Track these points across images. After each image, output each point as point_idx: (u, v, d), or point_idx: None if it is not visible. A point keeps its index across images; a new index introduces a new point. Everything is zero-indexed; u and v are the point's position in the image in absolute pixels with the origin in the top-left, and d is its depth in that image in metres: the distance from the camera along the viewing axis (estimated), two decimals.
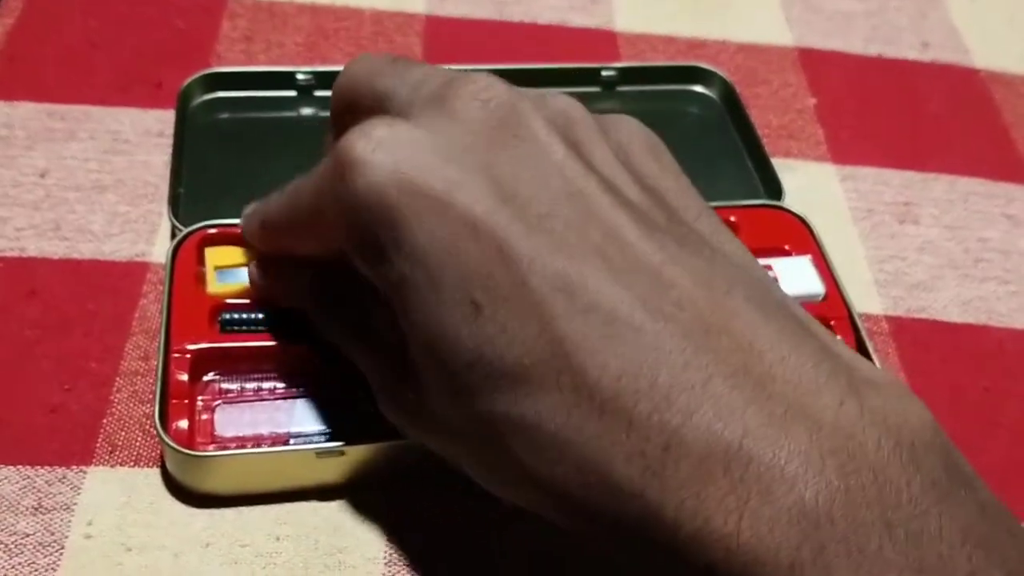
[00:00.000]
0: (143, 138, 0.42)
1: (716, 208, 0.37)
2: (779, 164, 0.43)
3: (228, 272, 0.34)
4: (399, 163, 0.24)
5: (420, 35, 0.49)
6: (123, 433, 0.32)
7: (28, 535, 0.30)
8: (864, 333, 0.35)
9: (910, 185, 0.45)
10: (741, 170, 0.43)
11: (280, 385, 0.32)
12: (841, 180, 0.45)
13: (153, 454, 0.32)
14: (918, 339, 0.39)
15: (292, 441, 0.31)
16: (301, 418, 0.32)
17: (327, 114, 0.31)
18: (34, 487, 0.31)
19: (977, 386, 0.38)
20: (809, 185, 0.44)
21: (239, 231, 0.34)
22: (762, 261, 0.32)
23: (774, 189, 0.41)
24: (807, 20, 0.53)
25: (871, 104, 0.49)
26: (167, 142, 0.41)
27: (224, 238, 0.35)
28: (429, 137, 0.24)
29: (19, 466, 0.31)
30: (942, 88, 0.50)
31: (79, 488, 0.31)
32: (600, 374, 0.22)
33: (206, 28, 0.47)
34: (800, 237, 0.38)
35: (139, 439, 0.32)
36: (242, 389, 0.32)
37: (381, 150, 0.24)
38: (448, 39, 0.49)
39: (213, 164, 0.40)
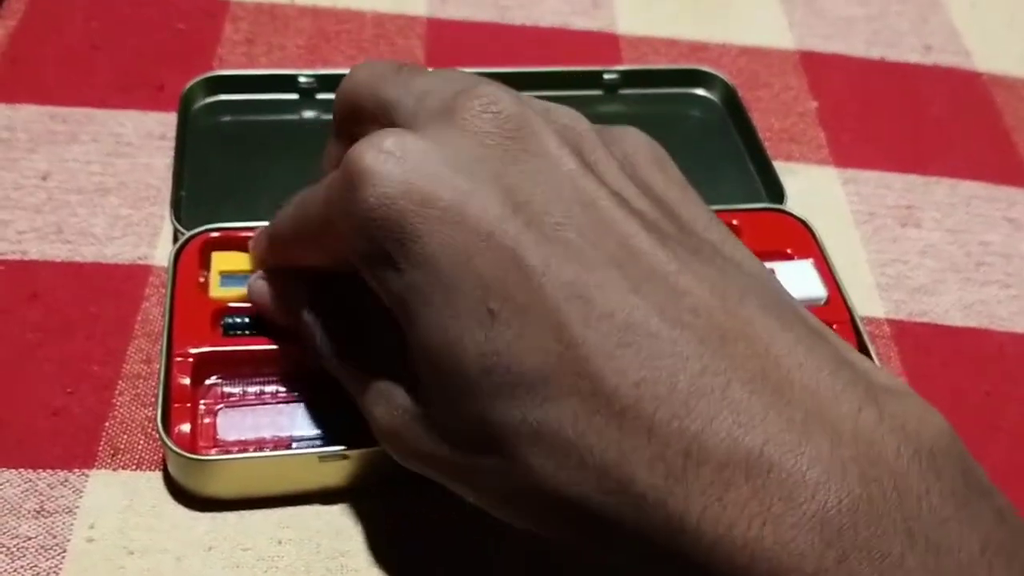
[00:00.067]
0: (145, 141, 0.42)
1: (718, 212, 0.37)
2: (781, 167, 0.43)
3: (232, 277, 0.34)
4: (409, 173, 0.24)
5: (422, 38, 0.49)
6: (125, 436, 0.32)
7: (30, 538, 0.30)
8: (866, 337, 0.35)
9: (912, 188, 0.45)
10: (743, 173, 0.43)
11: (282, 389, 0.32)
12: (843, 183, 0.45)
13: (155, 457, 0.32)
14: (920, 343, 0.39)
15: (294, 445, 0.31)
16: (304, 422, 0.32)
17: (329, 117, 0.31)
18: (36, 490, 0.31)
19: (978, 390, 0.38)
20: (811, 188, 0.44)
21: (242, 235, 0.34)
22: (764, 265, 0.32)
23: (776, 192, 0.41)
24: (809, 23, 0.53)
25: (873, 107, 0.49)
26: (169, 145, 0.41)
27: (226, 241, 0.35)
28: (438, 148, 0.24)
29: (21, 469, 0.31)
30: (944, 91, 0.50)
31: (81, 491, 0.31)
32: (618, 380, 0.22)
33: (208, 31, 0.47)
34: (802, 240, 0.38)
35: (141, 442, 0.32)
36: (244, 393, 0.32)
37: (391, 161, 0.24)
38: (450, 42, 0.49)
39: (215, 167, 0.40)
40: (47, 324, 0.35)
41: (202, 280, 0.34)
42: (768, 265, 0.36)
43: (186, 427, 0.31)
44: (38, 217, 0.38)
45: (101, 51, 0.45)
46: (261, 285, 0.32)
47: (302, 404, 0.32)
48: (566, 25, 0.51)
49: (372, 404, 0.27)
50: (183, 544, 0.30)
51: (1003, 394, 0.38)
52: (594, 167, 0.26)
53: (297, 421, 0.32)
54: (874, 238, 0.43)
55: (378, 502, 0.31)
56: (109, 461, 0.32)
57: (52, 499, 0.31)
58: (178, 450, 0.29)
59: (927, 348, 0.39)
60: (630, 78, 0.46)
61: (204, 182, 0.39)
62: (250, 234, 0.34)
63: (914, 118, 0.49)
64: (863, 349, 0.35)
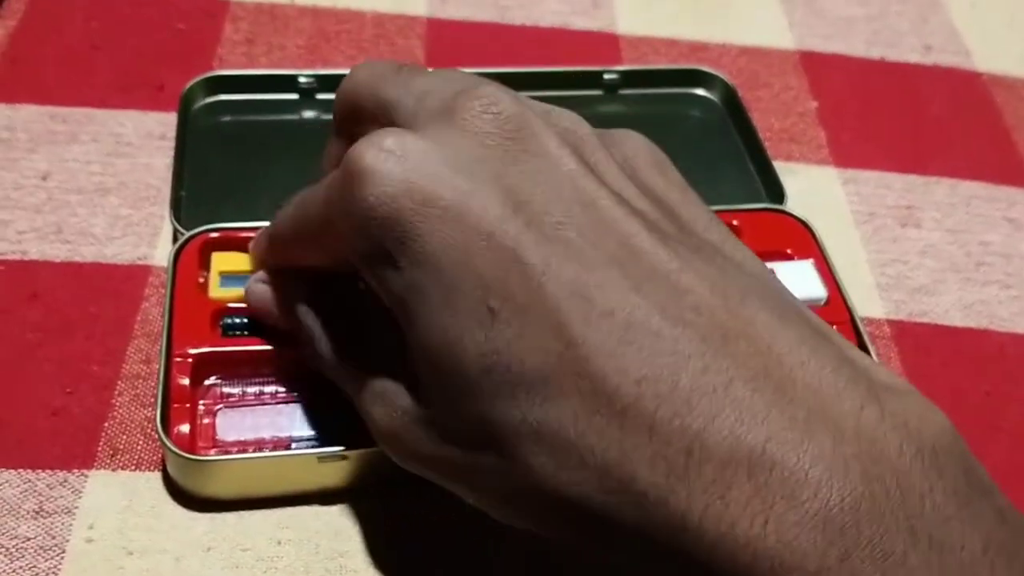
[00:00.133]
0: (145, 141, 0.42)
1: (718, 212, 0.37)
2: (781, 167, 0.43)
3: (232, 277, 0.34)
4: (409, 172, 0.24)
5: (422, 38, 0.49)
6: (124, 437, 0.32)
7: (29, 539, 0.30)
8: (866, 337, 0.35)
9: (912, 188, 0.45)
10: (743, 173, 0.43)
11: (282, 389, 0.32)
12: (843, 183, 0.45)
13: (154, 458, 0.32)
14: (920, 343, 0.39)
15: (294, 445, 0.31)
16: (303, 422, 0.32)
17: (329, 117, 0.31)
18: (35, 491, 0.31)
19: (978, 390, 0.38)
20: (811, 188, 0.44)
21: (242, 235, 0.34)
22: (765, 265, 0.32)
23: (776, 192, 0.41)
24: (809, 23, 0.53)
25: (873, 107, 0.49)
26: (169, 145, 0.41)
27: (226, 242, 0.35)
28: (438, 148, 0.24)
29: (20, 470, 0.31)
30: (944, 91, 0.50)
31: (80, 492, 0.31)
32: (620, 379, 0.22)
33: (208, 31, 0.47)
34: (802, 241, 0.38)
35: (140, 443, 0.32)
36: (244, 393, 0.32)
37: (391, 160, 0.24)
38: (450, 42, 0.49)
39: (215, 167, 0.40)
40: (47, 324, 0.35)
41: (202, 280, 0.34)
42: (768, 265, 0.36)
43: (185, 427, 0.31)
44: (38, 217, 0.38)
45: (101, 51, 0.45)
46: (259, 289, 0.32)
47: (301, 405, 0.32)
48: (566, 25, 0.51)
49: (371, 405, 0.27)
50: (182, 544, 0.30)
51: (1003, 394, 0.38)
52: (594, 168, 0.25)
53: (296, 422, 0.32)
54: (874, 238, 0.43)
55: (377, 503, 0.31)
56: (108, 461, 0.32)
57: (51, 499, 0.31)
58: (177, 450, 0.29)
59: (927, 348, 0.39)
60: (630, 78, 0.46)
61: (204, 182, 0.39)
62: (250, 234, 0.34)
63: (914, 118, 0.49)
64: (863, 349, 0.35)
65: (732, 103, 0.46)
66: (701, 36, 0.51)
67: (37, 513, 0.30)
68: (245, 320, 0.33)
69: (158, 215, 0.39)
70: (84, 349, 0.34)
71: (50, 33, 0.46)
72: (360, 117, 0.28)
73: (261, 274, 0.32)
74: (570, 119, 0.27)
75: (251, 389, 0.32)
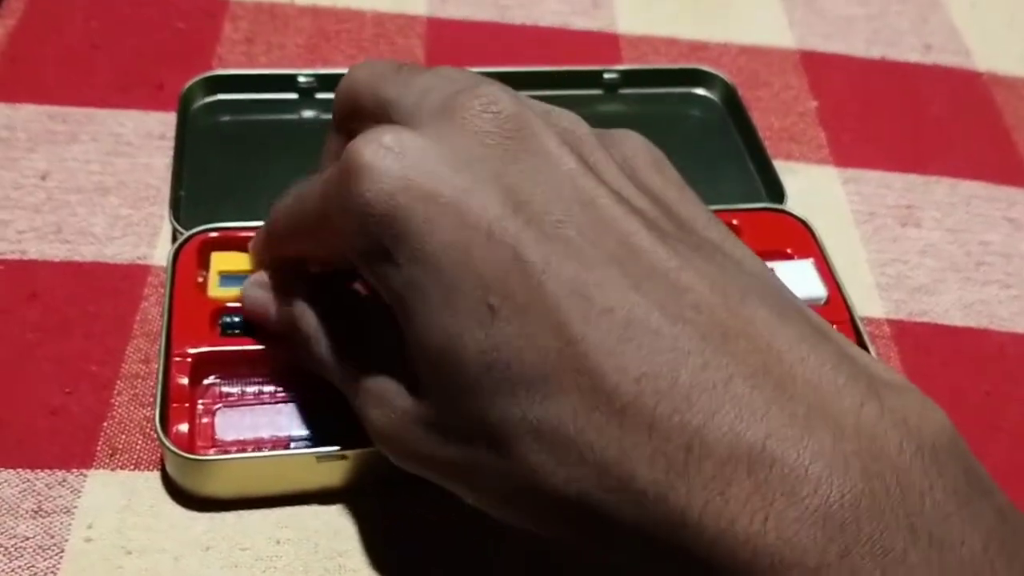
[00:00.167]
0: (145, 140, 0.42)
1: (718, 211, 0.37)
2: (781, 167, 0.43)
3: (231, 277, 0.33)
4: (408, 170, 0.24)
5: (422, 37, 0.49)
6: (124, 436, 0.32)
7: (28, 538, 0.30)
8: (866, 337, 0.35)
9: (912, 188, 0.45)
10: (743, 173, 0.43)
11: (281, 389, 0.32)
12: (843, 183, 0.45)
13: (153, 457, 0.32)
14: (920, 343, 0.39)
15: (293, 445, 0.31)
16: (302, 422, 0.32)
17: (329, 116, 0.31)
18: (34, 490, 0.31)
19: (978, 390, 0.38)
20: (811, 188, 0.44)
21: (241, 235, 0.34)
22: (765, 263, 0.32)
23: (776, 192, 0.41)
24: (809, 23, 0.53)
25: (873, 107, 0.49)
26: (168, 144, 0.41)
27: (225, 241, 0.35)
28: (437, 146, 0.24)
29: (19, 469, 0.31)
30: (944, 91, 0.50)
31: (79, 491, 0.31)
32: (619, 376, 0.22)
33: (207, 30, 0.47)
34: (802, 240, 0.38)
35: (139, 442, 0.32)
36: (243, 393, 0.32)
37: (390, 156, 0.24)
38: (450, 41, 0.49)
39: (214, 167, 0.40)
40: (46, 323, 0.35)
41: (201, 280, 0.34)
42: (768, 265, 0.36)
43: (184, 427, 0.31)
44: (37, 217, 0.38)
45: (101, 50, 0.45)
46: (254, 293, 0.32)
47: (300, 404, 0.32)
48: (566, 25, 0.51)
49: (368, 407, 0.27)
50: (181, 544, 0.30)
51: (1003, 394, 0.38)
52: (594, 167, 0.25)
53: (295, 421, 0.32)
54: (874, 238, 0.43)
55: (376, 502, 0.31)
56: (107, 461, 0.32)
57: (50, 499, 0.31)
58: (176, 450, 0.29)
59: (927, 348, 0.39)
60: (630, 78, 0.46)
61: (203, 182, 0.39)
62: (250, 234, 0.34)
63: (914, 118, 0.48)
64: (863, 349, 0.35)
65: (732, 102, 0.46)
66: (701, 35, 0.51)
67: (36, 512, 0.30)
68: (244, 319, 0.33)
69: (157, 215, 0.39)
70: (83, 348, 0.34)
71: (50, 32, 0.46)
72: (359, 115, 0.28)
73: (256, 278, 0.32)
74: (569, 119, 0.27)
75: (250, 388, 0.32)
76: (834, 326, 0.35)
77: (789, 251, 0.38)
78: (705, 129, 0.46)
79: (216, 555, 0.30)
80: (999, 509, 0.21)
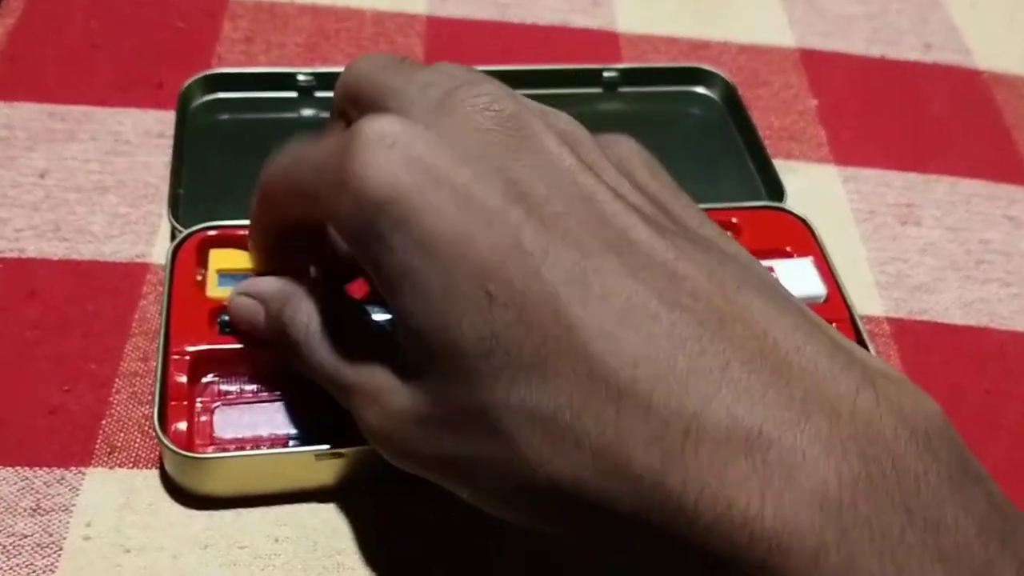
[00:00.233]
0: (144, 139, 0.42)
1: (717, 209, 0.38)
2: (781, 165, 0.43)
3: (230, 276, 0.33)
4: (411, 156, 0.24)
5: (421, 36, 0.49)
6: (122, 434, 0.32)
7: (26, 536, 0.30)
8: (866, 335, 0.35)
9: (912, 187, 0.45)
10: (743, 171, 0.43)
11: (279, 387, 0.32)
12: (843, 181, 0.45)
13: (152, 455, 0.32)
14: (919, 341, 0.39)
15: (291, 443, 0.31)
16: (300, 420, 0.32)
17: (328, 115, 0.31)
18: (33, 488, 0.31)
19: (978, 388, 0.38)
20: (811, 186, 0.44)
21: (239, 233, 0.34)
22: (764, 263, 0.32)
23: (776, 190, 0.41)
24: (809, 21, 0.53)
25: (873, 105, 0.49)
26: (168, 143, 0.41)
27: (224, 239, 0.35)
28: (439, 138, 0.24)
29: (18, 467, 0.31)
30: (944, 89, 0.50)
31: (78, 489, 0.31)
32: (616, 362, 0.22)
33: (207, 29, 0.47)
34: (802, 239, 0.38)
35: (138, 440, 0.32)
36: (241, 391, 0.32)
37: (393, 142, 0.24)
38: (449, 40, 0.49)
39: (213, 165, 0.40)
40: (44, 322, 0.35)
41: (199, 278, 0.34)
42: (767, 263, 0.36)
43: (183, 425, 0.31)
44: (36, 215, 0.38)
45: (100, 49, 0.45)
46: (241, 301, 0.32)
47: (299, 402, 0.32)
48: (566, 23, 0.51)
49: (363, 408, 0.27)
50: (180, 542, 0.30)
51: (1003, 392, 0.38)
52: (592, 166, 0.26)
53: (294, 419, 0.32)
54: (874, 236, 0.43)
55: (375, 500, 0.31)
56: (106, 459, 0.32)
57: (48, 497, 0.31)
58: (175, 448, 0.29)
59: (927, 346, 0.39)
60: (630, 76, 0.46)
61: (202, 180, 0.39)
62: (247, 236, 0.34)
63: (914, 116, 0.48)
64: (862, 347, 0.35)
65: (732, 101, 0.46)
66: (701, 34, 0.51)
67: (34, 510, 0.30)
68: None
69: (156, 213, 0.39)
70: (82, 347, 0.34)
71: (49, 31, 0.46)
72: (360, 104, 0.28)
73: (243, 286, 0.32)
74: (566, 120, 0.27)
75: (248, 387, 0.32)
76: (833, 324, 0.36)
77: (789, 249, 0.38)
78: (705, 128, 0.45)
79: (215, 553, 0.30)
80: (991, 496, 0.21)
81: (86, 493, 0.31)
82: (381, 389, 0.26)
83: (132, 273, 0.37)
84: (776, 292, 0.24)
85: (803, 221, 0.39)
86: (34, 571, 0.29)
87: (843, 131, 0.47)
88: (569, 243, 0.23)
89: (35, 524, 0.30)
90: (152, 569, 0.29)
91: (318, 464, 0.30)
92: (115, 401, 0.33)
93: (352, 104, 0.29)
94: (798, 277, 0.36)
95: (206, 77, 0.43)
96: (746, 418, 0.21)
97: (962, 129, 0.48)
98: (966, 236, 0.43)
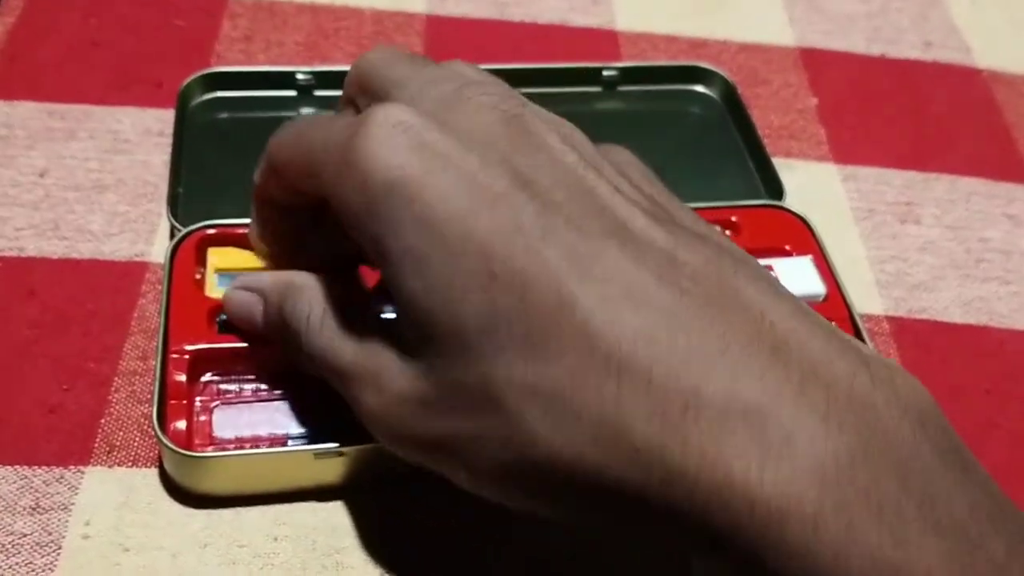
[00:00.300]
0: (143, 137, 0.42)
1: (717, 208, 0.38)
2: (780, 164, 0.43)
3: (229, 274, 0.33)
4: (420, 141, 0.24)
5: (421, 35, 0.49)
6: (121, 433, 0.32)
7: (25, 535, 0.30)
8: (865, 334, 0.35)
9: (911, 185, 0.45)
10: (742, 170, 0.43)
11: (278, 386, 0.32)
12: (842, 180, 0.45)
13: (151, 454, 0.32)
14: (919, 340, 0.39)
15: (290, 442, 0.31)
16: (299, 419, 0.32)
17: (327, 114, 0.31)
18: (31, 487, 0.31)
19: (978, 387, 0.38)
20: (810, 185, 0.44)
21: (238, 232, 0.34)
22: (763, 261, 0.32)
23: (775, 189, 0.41)
24: (809, 20, 0.53)
25: (872, 104, 0.49)
26: (167, 142, 0.41)
27: (223, 238, 0.35)
28: (445, 128, 0.25)
29: (17, 466, 0.31)
30: (944, 88, 0.50)
31: (77, 488, 0.31)
32: (617, 338, 0.22)
33: (206, 28, 0.47)
34: (801, 237, 0.38)
35: (137, 439, 0.32)
36: (240, 390, 0.32)
37: (405, 128, 0.25)
38: (449, 39, 0.49)
39: (212, 164, 0.40)
40: (44, 321, 0.35)
41: (198, 277, 0.34)
42: (767, 262, 0.36)
43: (182, 424, 0.31)
44: (35, 214, 0.38)
45: (99, 48, 0.45)
46: (237, 296, 0.32)
47: (298, 401, 0.32)
48: (565, 22, 0.51)
49: (361, 391, 0.27)
50: (179, 541, 0.30)
51: (1003, 391, 0.38)
52: (593, 165, 0.26)
53: (293, 418, 0.32)
54: (873, 235, 0.43)
55: (374, 499, 0.31)
56: (105, 458, 0.32)
57: (48, 496, 0.31)
58: (174, 447, 0.29)
59: (926, 345, 0.39)
60: (629, 75, 0.46)
61: (201, 179, 0.39)
62: (247, 231, 0.34)
63: (914, 115, 0.48)
64: None
65: (732, 100, 0.46)
66: (701, 32, 0.51)
67: (33, 509, 0.30)
68: None
69: (155, 212, 0.39)
70: (81, 346, 0.34)
71: (49, 30, 0.46)
72: (368, 93, 0.29)
73: (241, 280, 0.32)
74: (567, 125, 0.28)
75: (248, 386, 0.32)
76: (833, 323, 0.36)
77: (788, 248, 0.38)
78: (704, 126, 0.45)
79: (214, 552, 0.30)
80: (982, 481, 0.22)
81: (85, 492, 0.31)
82: (381, 371, 0.26)
83: (131, 272, 0.37)
84: (772, 282, 0.25)
85: (802, 220, 0.39)
86: (33, 570, 0.29)
87: (843, 130, 0.47)
88: (571, 226, 0.24)
89: (34, 523, 0.30)
90: (151, 568, 0.29)
91: (317, 463, 0.30)
92: (114, 400, 0.33)
93: (362, 93, 0.29)
94: (797, 276, 0.36)
95: (205, 76, 0.43)
96: (745, 393, 0.21)
97: (962, 128, 0.48)
98: (966, 234, 0.43)
